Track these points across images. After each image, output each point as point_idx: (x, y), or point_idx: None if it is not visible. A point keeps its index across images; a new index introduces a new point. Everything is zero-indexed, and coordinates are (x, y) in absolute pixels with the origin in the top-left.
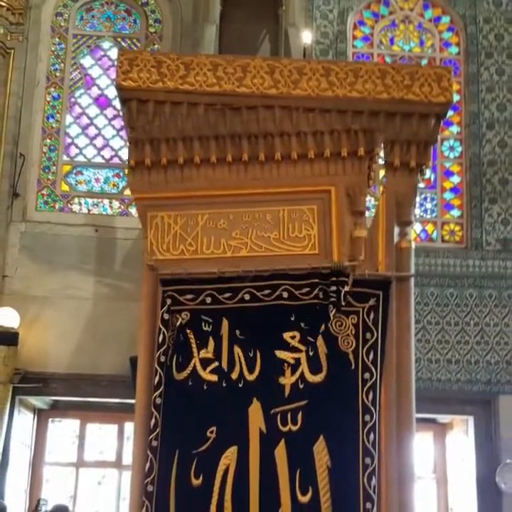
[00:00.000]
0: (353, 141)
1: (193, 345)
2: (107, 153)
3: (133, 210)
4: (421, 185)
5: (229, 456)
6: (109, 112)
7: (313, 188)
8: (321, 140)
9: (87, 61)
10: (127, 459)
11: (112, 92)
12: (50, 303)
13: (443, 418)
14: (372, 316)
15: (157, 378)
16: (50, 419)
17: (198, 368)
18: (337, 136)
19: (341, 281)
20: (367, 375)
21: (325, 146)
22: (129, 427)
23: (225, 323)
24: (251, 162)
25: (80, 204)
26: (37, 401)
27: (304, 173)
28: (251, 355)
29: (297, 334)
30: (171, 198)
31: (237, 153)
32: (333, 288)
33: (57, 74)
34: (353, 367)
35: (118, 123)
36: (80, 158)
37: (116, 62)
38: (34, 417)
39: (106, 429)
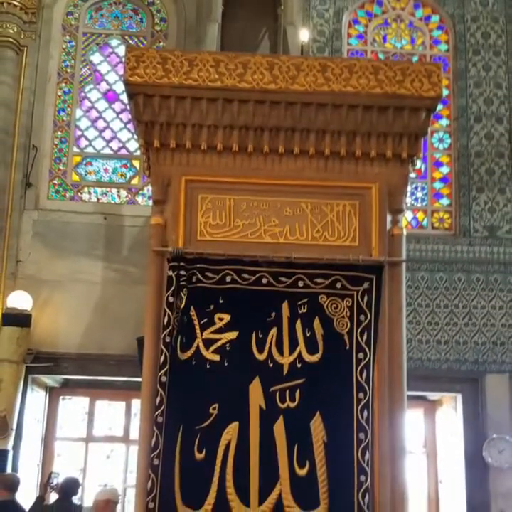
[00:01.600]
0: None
1: (197, 327)
2: (115, 144)
3: (139, 199)
4: (412, 175)
5: (230, 432)
6: (117, 106)
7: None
8: (322, 138)
9: (96, 58)
10: (134, 434)
11: (119, 87)
12: (61, 286)
13: (433, 395)
14: (365, 299)
15: (162, 358)
16: (61, 397)
17: (201, 348)
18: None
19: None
20: (361, 355)
21: (325, 145)
22: (136, 404)
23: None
24: (255, 153)
25: (89, 193)
26: (48, 379)
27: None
28: None
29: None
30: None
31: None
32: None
33: (68, 70)
34: (347, 347)
35: (125, 116)
36: (90, 150)
37: (123, 59)
38: (46, 395)
39: (114, 406)
